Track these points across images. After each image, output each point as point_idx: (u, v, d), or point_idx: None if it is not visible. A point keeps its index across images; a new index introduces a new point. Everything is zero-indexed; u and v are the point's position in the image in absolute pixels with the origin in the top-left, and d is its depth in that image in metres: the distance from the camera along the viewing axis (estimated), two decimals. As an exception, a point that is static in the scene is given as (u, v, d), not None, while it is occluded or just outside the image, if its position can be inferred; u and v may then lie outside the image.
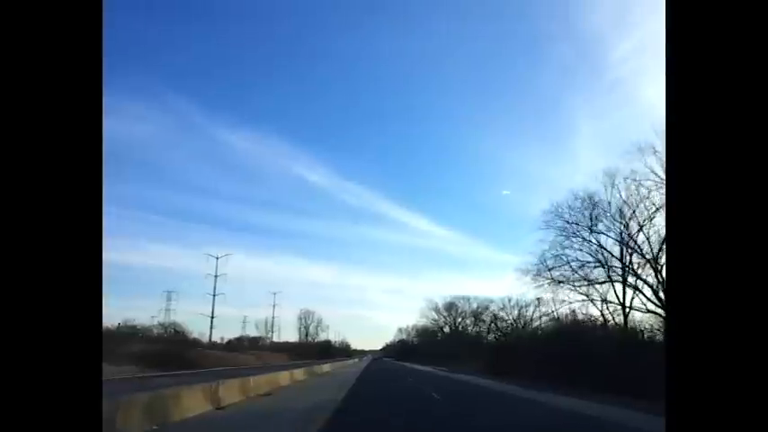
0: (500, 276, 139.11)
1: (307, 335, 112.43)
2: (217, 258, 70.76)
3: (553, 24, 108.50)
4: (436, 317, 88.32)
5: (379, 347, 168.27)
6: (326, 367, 40.97)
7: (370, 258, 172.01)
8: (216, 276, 70.54)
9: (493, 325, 68.66)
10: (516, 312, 62.27)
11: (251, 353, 75.10)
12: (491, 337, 67.95)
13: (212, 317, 70.95)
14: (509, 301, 63.25)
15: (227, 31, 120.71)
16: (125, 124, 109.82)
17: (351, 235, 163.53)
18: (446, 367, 56.01)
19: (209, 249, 71.61)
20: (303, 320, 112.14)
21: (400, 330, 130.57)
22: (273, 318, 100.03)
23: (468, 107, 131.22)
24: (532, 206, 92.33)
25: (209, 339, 73.36)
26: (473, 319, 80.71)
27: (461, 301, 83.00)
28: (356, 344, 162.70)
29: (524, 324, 56.93)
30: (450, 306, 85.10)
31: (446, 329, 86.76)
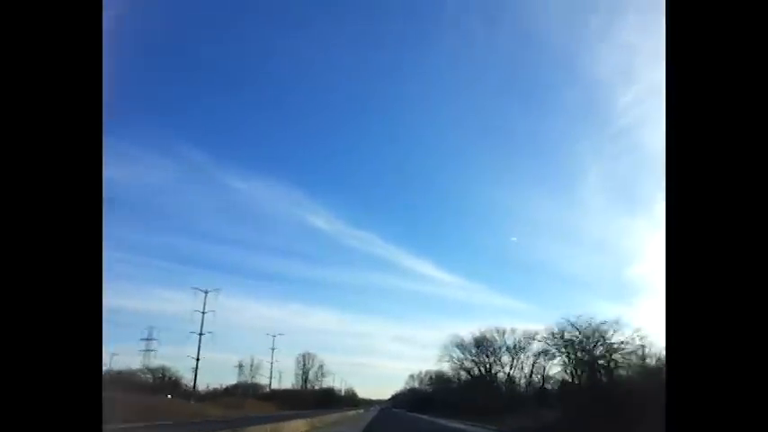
0: (512, 322, 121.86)
1: (306, 380, 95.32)
2: (206, 293, 58.32)
3: (559, 73, 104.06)
4: (461, 355, 70.32)
5: (388, 397, 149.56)
6: (300, 425, 24.83)
7: (377, 306, 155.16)
8: (203, 313, 57.92)
9: (539, 362, 51.85)
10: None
11: (229, 401, 59.95)
12: (549, 376, 51.14)
13: (198, 359, 57.90)
14: (557, 332, 46.63)
15: (242, 89, 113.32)
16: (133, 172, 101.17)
17: (358, 281, 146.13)
18: (486, 423, 39.20)
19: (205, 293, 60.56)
20: (302, 365, 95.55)
21: (412, 377, 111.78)
22: (272, 363, 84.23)
23: (476, 154, 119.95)
24: (541, 252, 78.32)
25: (194, 385, 60.63)
26: (510, 357, 63.37)
27: (495, 334, 65.68)
28: (363, 393, 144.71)
29: (593, 357, 40.41)
30: (481, 341, 66.81)
31: (474, 371, 68.81)
